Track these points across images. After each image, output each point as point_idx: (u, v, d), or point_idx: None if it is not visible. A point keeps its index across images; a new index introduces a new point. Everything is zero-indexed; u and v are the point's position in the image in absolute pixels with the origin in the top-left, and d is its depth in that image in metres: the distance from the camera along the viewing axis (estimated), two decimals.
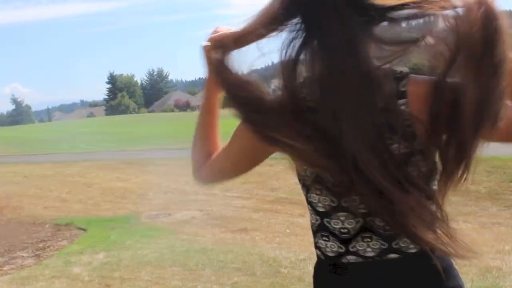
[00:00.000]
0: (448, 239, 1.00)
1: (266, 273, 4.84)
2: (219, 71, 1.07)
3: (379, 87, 0.94)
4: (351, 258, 1.04)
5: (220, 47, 1.09)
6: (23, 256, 6.75)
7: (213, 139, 1.25)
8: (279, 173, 10.36)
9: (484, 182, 9.71)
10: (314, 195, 1.06)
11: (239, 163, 1.16)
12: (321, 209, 1.06)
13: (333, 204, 1.03)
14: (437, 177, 1.04)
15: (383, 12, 0.95)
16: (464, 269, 4.53)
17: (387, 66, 0.97)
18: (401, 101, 0.98)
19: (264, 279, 4.67)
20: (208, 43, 1.12)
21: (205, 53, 1.14)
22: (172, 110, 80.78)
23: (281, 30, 1.01)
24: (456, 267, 1.11)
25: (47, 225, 8.65)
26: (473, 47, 0.88)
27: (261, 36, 1.03)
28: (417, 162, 0.99)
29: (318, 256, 1.12)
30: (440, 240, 0.98)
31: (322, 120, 0.95)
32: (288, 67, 0.99)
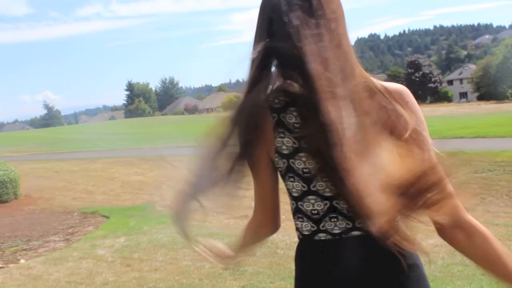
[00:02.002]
0: (396, 228, 0.95)
1: (265, 253, 4.84)
2: None
3: None
4: (322, 235, 1.05)
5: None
6: (55, 240, 6.75)
7: None
8: None
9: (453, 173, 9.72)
10: (289, 182, 1.07)
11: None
12: (295, 194, 1.07)
13: (304, 189, 1.04)
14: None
15: None
16: (435, 249, 4.53)
17: None
18: None
19: (263, 259, 4.67)
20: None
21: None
22: (182, 113, 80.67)
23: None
24: (424, 269, 1.09)
25: (75, 214, 8.65)
26: None
27: None
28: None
29: (298, 236, 1.13)
30: (391, 227, 0.92)
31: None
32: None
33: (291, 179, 1.06)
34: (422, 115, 1.04)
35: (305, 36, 0.92)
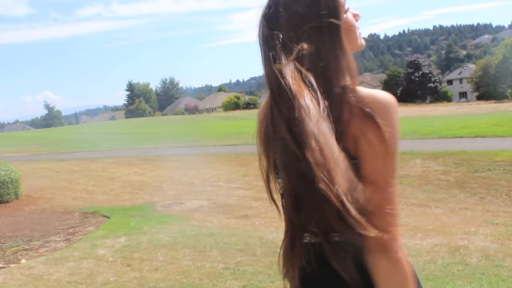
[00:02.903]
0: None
1: (265, 253, 4.84)
2: None
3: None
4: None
5: None
6: (55, 240, 6.75)
7: None
8: None
9: (453, 172, 9.71)
10: (278, 180, 1.07)
11: None
12: (280, 191, 1.07)
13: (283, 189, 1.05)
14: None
15: None
16: (435, 248, 4.53)
17: None
18: None
19: (264, 259, 4.67)
20: None
21: None
22: (182, 113, 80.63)
23: None
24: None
25: (76, 213, 8.64)
26: None
27: None
28: None
29: None
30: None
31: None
32: None
33: (277, 176, 1.07)
34: (397, 132, 0.97)
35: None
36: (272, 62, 0.96)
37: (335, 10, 1.00)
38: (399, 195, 0.97)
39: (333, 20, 0.99)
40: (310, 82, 0.94)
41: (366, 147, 0.95)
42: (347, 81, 1.00)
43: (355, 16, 1.08)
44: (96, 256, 5.44)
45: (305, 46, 0.97)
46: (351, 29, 1.05)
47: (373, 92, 0.99)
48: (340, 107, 0.96)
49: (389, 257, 0.93)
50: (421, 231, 5.32)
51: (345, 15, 1.03)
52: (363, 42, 1.11)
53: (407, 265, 0.95)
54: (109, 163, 15.90)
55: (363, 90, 0.99)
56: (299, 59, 0.96)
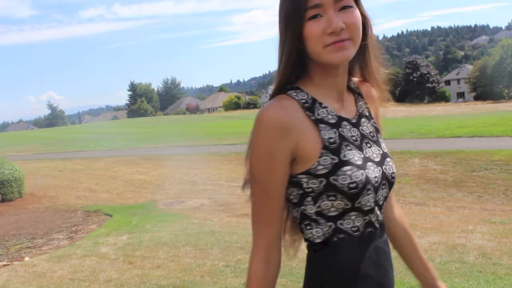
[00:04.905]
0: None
1: None
2: None
3: None
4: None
5: None
6: (59, 238, 6.75)
7: None
8: None
9: (451, 172, 9.70)
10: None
11: None
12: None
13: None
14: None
15: None
16: (433, 246, 4.53)
17: None
18: None
19: None
20: None
21: None
22: (184, 113, 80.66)
23: None
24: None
25: (78, 212, 8.64)
26: None
27: None
28: None
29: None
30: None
31: None
32: None
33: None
34: (254, 149, 1.00)
35: None
36: None
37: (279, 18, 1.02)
38: (262, 209, 1.02)
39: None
40: None
41: None
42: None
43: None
44: (98, 254, 5.44)
45: None
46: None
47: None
48: None
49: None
50: (419, 229, 5.31)
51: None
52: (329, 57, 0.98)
53: (251, 273, 1.01)
54: (112, 162, 15.90)
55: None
56: None
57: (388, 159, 1.07)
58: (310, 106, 1.01)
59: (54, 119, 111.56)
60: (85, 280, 4.50)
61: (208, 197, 9.34)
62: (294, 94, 1.02)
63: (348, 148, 1.00)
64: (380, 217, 1.05)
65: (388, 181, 1.05)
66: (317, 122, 1.00)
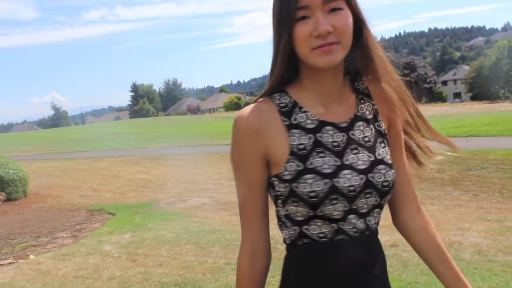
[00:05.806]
0: None
1: None
2: None
3: None
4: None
5: None
6: (63, 237, 6.76)
7: None
8: None
9: (447, 171, 9.71)
10: None
11: None
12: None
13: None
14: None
15: None
16: None
17: None
18: None
19: None
20: None
21: None
22: (185, 114, 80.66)
23: None
24: None
25: (82, 211, 8.65)
26: None
27: None
28: None
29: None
30: None
31: None
32: None
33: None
34: (232, 150, 1.01)
35: None
36: None
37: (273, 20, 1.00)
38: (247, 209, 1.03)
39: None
40: None
41: None
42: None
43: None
44: (102, 252, 5.45)
45: None
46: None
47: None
48: None
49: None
50: None
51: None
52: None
53: (238, 269, 1.03)
54: (115, 162, 15.90)
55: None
56: None
57: (380, 166, 0.98)
58: (289, 111, 0.99)
59: (57, 119, 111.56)
60: (89, 277, 4.51)
61: (209, 196, 9.34)
62: (278, 97, 1.01)
63: (321, 155, 0.95)
64: (360, 226, 0.97)
65: (376, 189, 0.97)
66: (291, 127, 0.98)
